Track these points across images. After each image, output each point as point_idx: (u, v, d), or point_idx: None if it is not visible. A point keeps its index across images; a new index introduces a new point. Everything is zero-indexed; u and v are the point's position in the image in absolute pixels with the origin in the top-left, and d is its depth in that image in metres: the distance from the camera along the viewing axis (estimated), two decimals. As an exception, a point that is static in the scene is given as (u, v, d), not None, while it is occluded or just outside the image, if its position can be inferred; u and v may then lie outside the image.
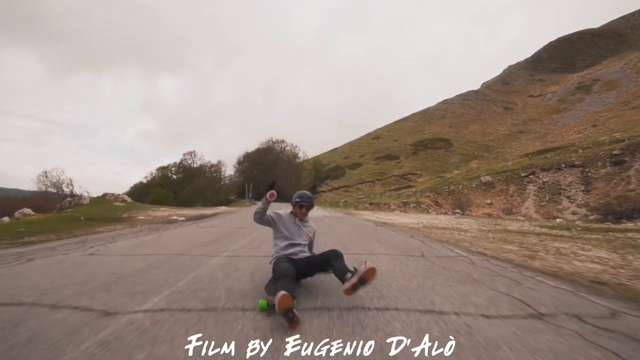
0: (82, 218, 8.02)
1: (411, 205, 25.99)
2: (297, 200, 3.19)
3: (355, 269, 2.42)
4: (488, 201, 28.60)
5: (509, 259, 4.54)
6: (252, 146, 75.68)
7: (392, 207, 26.74)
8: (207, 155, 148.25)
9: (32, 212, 10.31)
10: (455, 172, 46.36)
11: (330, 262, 2.68)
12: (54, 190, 15.43)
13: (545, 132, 61.99)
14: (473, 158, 53.47)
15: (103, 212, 9.62)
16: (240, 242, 5.92)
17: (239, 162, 76.40)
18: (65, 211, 10.46)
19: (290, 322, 1.97)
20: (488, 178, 31.76)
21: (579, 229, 8.88)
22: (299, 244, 3.01)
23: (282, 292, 2.04)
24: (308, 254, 3.01)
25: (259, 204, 3.06)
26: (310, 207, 3.26)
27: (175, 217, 9.56)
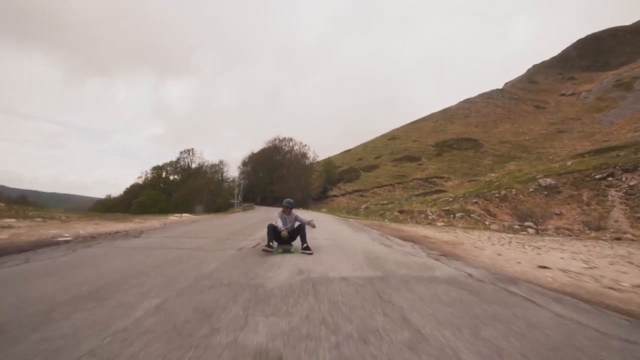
0: None
1: (457, 215, 19.38)
2: (284, 204, 5.84)
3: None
4: (556, 211, 21.69)
5: None
6: (258, 149, 70.00)
7: (429, 217, 20.19)
8: (213, 158, 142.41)
9: None
10: (492, 174, 39.36)
11: (297, 234, 5.55)
12: None
13: (590, 131, 54.29)
14: (509, 159, 46.28)
15: None
16: None
17: (244, 164, 70.98)
18: None
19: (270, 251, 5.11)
20: (549, 181, 24.84)
21: None
22: (283, 228, 5.42)
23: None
24: (287, 231, 5.41)
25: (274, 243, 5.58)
26: (290, 208, 5.82)
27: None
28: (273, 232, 5.35)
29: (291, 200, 5.91)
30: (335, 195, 51.39)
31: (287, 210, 5.74)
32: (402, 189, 45.17)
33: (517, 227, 17.02)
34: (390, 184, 47.91)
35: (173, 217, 13.50)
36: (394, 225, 15.56)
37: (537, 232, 16.16)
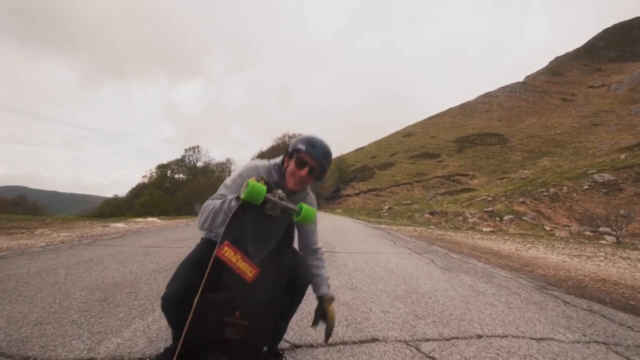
0: None
1: (505, 218, 15.98)
2: (300, 147, 1.42)
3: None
4: (622, 212, 18.00)
5: None
6: (267, 147, 66.92)
7: (469, 220, 16.85)
8: (223, 158, 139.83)
9: None
10: (525, 171, 35.45)
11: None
12: None
13: (628, 123, 49.55)
14: (542, 155, 42.16)
15: None
16: None
17: (253, 162, 68.33)
18: None
19: None
20: (607, 177, 21.11)
21: None
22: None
23: None
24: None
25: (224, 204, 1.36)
26: (319, 171, 1.46)
27: None
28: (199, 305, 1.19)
29: (325, 147, 1.46)
30: (349, 195, 48.25)
31: (303, 174, 1.43)
32: (422, 188, 41.70)
33: (589, 233, 13.54)
34: (409, 183, 44.47)
35: (118, 225, 8.98)
36: (456, 237, 11.49)
37: (617, 241, 12.68)
